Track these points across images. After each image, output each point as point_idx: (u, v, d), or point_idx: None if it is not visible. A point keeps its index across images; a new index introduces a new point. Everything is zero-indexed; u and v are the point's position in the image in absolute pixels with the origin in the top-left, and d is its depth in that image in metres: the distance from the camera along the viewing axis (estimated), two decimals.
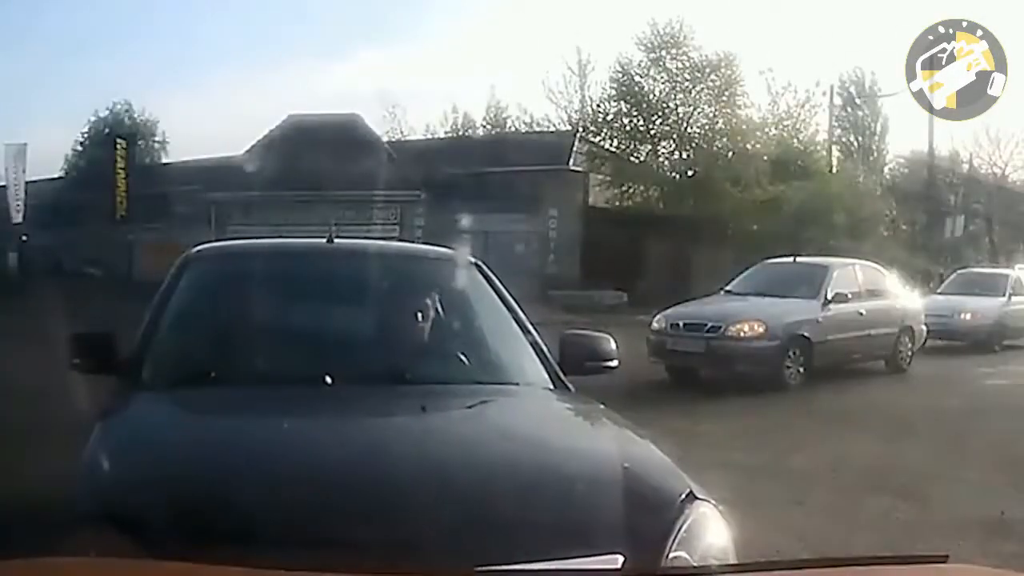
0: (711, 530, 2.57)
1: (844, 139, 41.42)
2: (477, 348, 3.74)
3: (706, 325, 11.52)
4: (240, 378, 3.37)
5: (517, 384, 3.54)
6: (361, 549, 2.14)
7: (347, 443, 2.85)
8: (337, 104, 52.44)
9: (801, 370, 11.49)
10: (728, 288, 13.19)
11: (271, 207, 29.19)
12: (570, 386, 3.61)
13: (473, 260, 4.16)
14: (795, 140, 31.83)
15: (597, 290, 25.24)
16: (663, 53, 30.40)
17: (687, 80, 30.26)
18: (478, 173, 28.85)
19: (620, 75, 30.85)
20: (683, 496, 2.58)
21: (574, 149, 31.03)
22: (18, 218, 31.49)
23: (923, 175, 33.35)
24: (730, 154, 30.21)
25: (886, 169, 42.78)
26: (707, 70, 30.08)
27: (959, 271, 21.62)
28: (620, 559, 2.29)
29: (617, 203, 30.94)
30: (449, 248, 4.57)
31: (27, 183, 32.01)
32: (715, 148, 30.33)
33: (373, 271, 4.10)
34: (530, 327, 3.77)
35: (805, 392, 11.09)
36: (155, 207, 31.13)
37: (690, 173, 30.54)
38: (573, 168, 30.69)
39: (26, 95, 52.89)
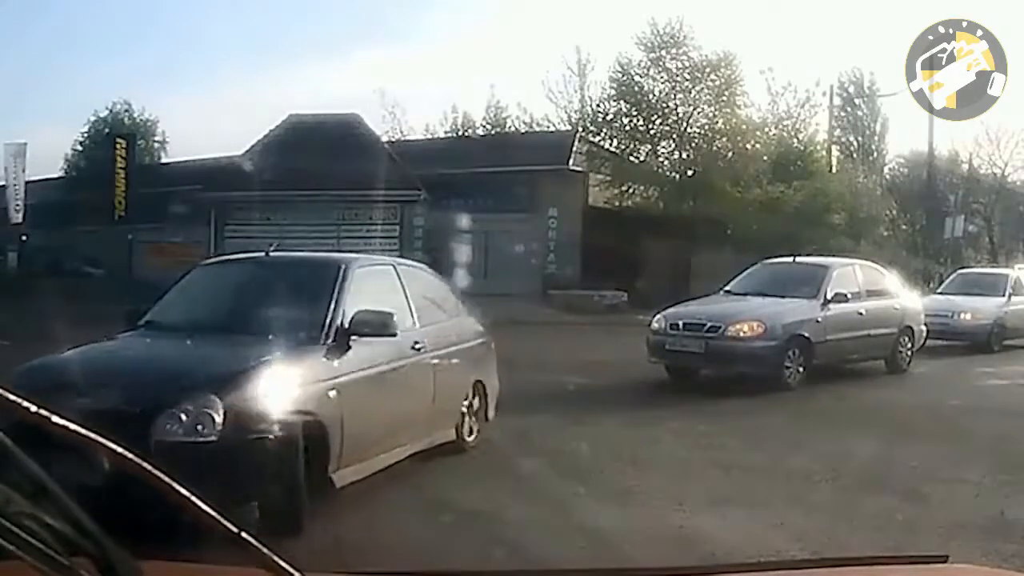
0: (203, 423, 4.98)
1: (844, 139, 41.41)
2: (289, 316, 6.12)
3: (706, 325, 11.50)
4: (169, 327, 6.43)
5: (276, 336, 5.87)
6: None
7: (149, 355, 6.08)
8: (337, 104, 52.46)
9: (801, 370, 11.47)
10: (728, 288, 13.16)
11: (271, 207, 29.17)
12: (329, 343, 5.95)
13: (342, 264, 6.79)
14: (795, 140, 31.82)
15: (597, 290, 25.24)
16: (663, 53, 30.40)
17: (687, 80, 30.25)
18: (478, 173, 28.83)
19: (620, 75, 30.86)
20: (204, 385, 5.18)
21: (574, 149, 31.01)
22: (18, 218, 31.46)
23: (923, 175, 33.35)
24: (730, 154, 30.20)
25: (886, 169, 42.82)
26: (707, 70, 30.07)
27: (959, 271, 21.59)
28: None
29: (617, 203, 30.92)
30: (341, 255, 8.96)
31: (27, 183, 31.99)
32: (715, 148, 30.31)
33: (282, 273, 7.12)
34: (344, 305, 6.20)
35: (805, 392, 11.07)
36: (155, 207, 31.09)
37: (690, 173, 30.52)
38: (573, 168, 30.67)
39: (26, 95, 52.93)
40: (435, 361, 7.07)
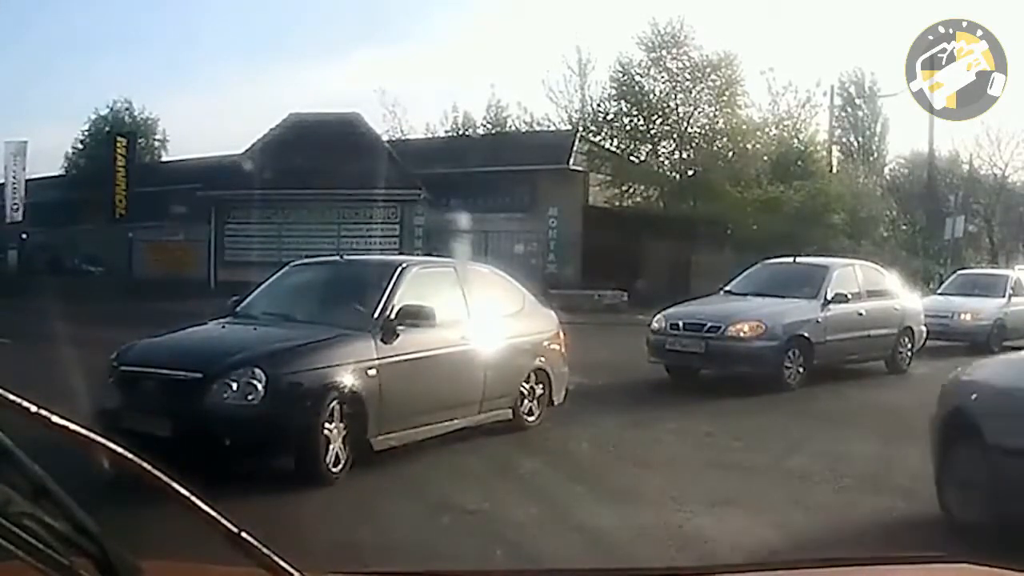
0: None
1: (844, 139, 41.43)
2: (347, 308, 7.27)
3: (706, 325, 11.48)
4: (249, 316, 7.40)
5: (338, 325, 6.97)
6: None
7: (220, 336, 7.05)
8: (337, 104, 52.46)
9: (801, 370, 11.45)
10: (728, 288, 13.15)
11: (271, 205, 29.18)
12: (376, 330, 6.86)
13: (400, 265, 7.67)
14: (795, 140, 31.80)
15: (597, 290, 25.21)
16: (663, 53, 30.37)
17: (687, 80, 30.22)
18: (478, 173, 28.80)
19: (620, 75, 30.85)
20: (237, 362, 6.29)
21: (574, 149, 30.97)
22: (17, 216, 31.48)
23: (923, 175, 33.32)
24: (730, 154, 30.18)
25: (886, 169, 42.83)
26: (707, 70, 30.05)
27: (959, 272, 21.56)
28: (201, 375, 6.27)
29: (617, 203, 30.89)
30: (404, 258, 9.95)
31: (27, 181, 32.00)
32: (715, 148, 30.29)
33: (350, 273, 8.43)
34: (394, 299, 7.09)
35: (805, 393, 11.06)
36: (155, 205, 31.11)
37: (690, 173, 30.51)
38: (573, 168, 30.64)
39: (26, 93, 52.99)
40: (487, 350, 7.76)
